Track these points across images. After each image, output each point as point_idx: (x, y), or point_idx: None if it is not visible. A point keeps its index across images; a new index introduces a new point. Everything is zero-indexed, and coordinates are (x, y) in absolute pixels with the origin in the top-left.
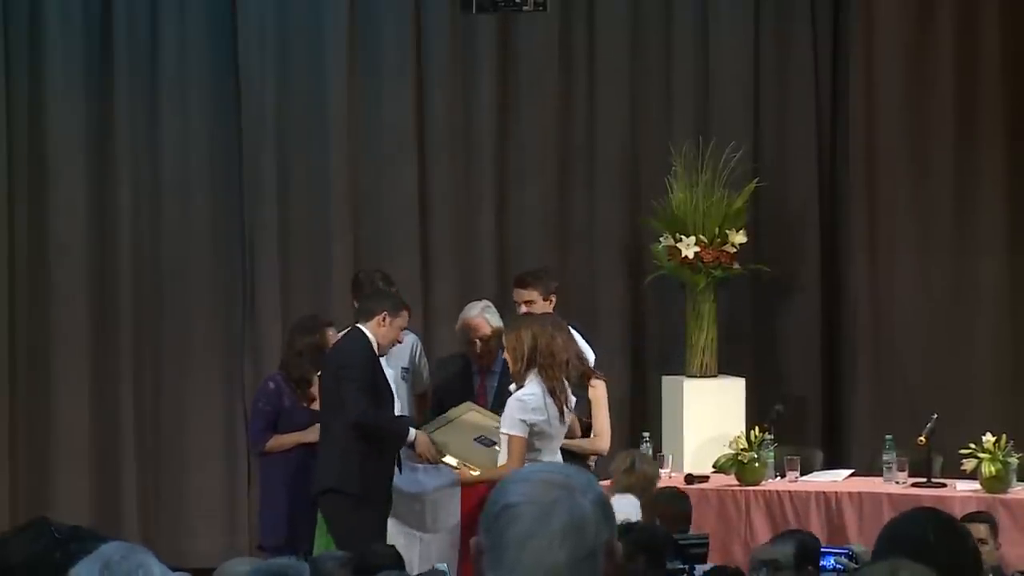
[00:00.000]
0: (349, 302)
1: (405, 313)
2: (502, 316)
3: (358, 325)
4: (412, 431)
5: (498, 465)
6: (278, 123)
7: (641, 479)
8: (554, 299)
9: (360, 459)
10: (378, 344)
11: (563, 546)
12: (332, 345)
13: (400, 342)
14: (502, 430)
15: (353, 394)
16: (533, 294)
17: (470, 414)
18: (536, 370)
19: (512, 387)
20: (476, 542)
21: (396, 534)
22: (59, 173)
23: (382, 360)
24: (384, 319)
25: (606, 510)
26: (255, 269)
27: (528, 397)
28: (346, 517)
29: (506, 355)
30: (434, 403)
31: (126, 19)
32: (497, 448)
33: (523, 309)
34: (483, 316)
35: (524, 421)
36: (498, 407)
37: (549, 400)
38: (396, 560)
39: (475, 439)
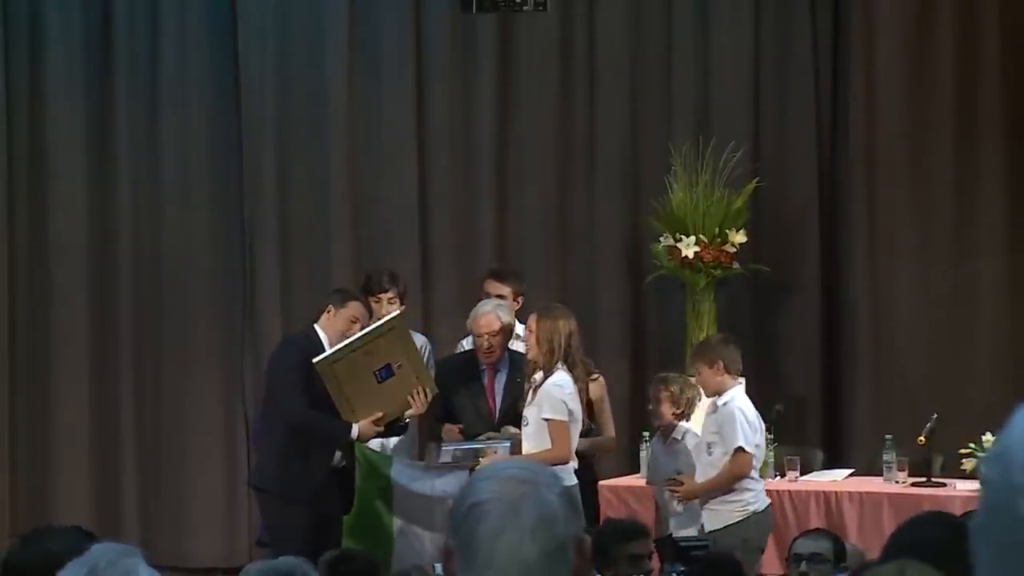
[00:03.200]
0: None
1: (354, 303)
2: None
3: (314, 325)
4: (354, 427)
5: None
6: (278, 123)
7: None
8: (521, 302)
9: (287, 459)
10: (330, 339)
11: (534, 540)
12: (282, 342)
13: (355, 325)
14: (543, 416)
15: (290, 394)
16: (506, 290)
17: (388, 336)
18: (565, 362)
19: (538, 376)
20: (445, 544)
21: (406, 533)
22: (59, 173)
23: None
24: (329, 311)
25: (573, 503)
26: (255, 269)
27: (563, 382)
28: (273, 515)
29: (533, 340)
30: (439, 403)
31: (126, 19)
32: (394, 378)
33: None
34: (495, 312)
35: (565, 403)
36: (507, 404)
37: (576, 390)
38: (372, 566)
39: (375, 371)
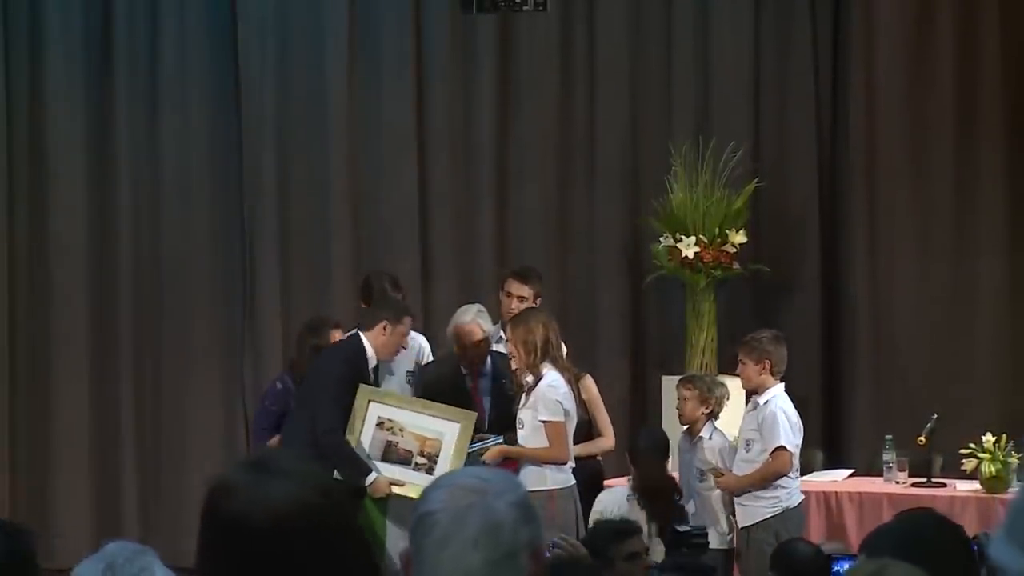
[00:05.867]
0: (350, 302)
1: (408, 319)
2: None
3: (358, 332)
4: (371, 475)
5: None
6: (278, 123)
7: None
8: (539, 303)
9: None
10: (377, 353)
11: (477, 549)
12: (330, 346)
13: (405, 348)
14: (540, 418)
15: (327, 409)
16: (527, 291)
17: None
18: (549, 361)
19: (529, 379)
20: (404, 551)
21: (398, 539)
22: (59, 173)
23: (386, 363)
24: (385, 328)
25: (525, 511)
26: (255, 269)
27: (557, 383)
28: None
29: (514, 347)
30: None
31: (126, 19)
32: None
33: (513, 303)
34: (476, 321)
35: (561, 404)
36: (494, 408)
37: (569, 388)
38: None
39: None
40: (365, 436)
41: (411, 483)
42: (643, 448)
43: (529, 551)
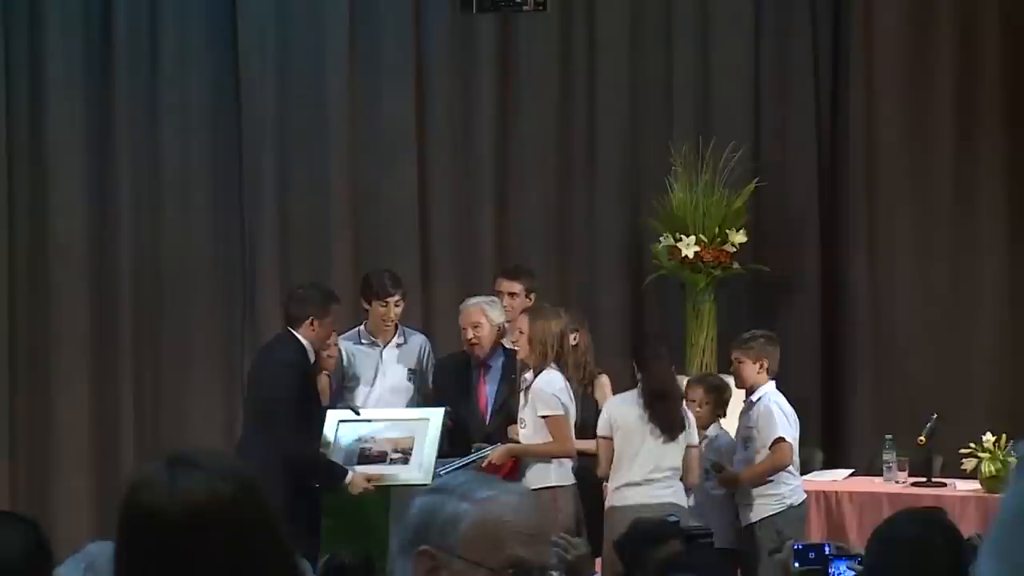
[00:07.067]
0: (350, 302)
1: (333, 307)
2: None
3: (289, 329)
4: (349, 474)
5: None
6: (278, 123)
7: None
8: (533, 298)
9: (284, 480)
10: (313, 345)
11: (396, 535)
12: (265, 348)
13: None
14: (540, 413)
15: (285, 422)
16: (517, 287)
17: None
18: (554, 362)
19: (528, 375)
20: None
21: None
22: (59, 173)
23: (389, 357)
24: (312, 323)
25: (431, 516)
26: (255, 269)
27: (554, 379)
28: None
29: (524, 341)
30: (434, 404)
31: (126, 19)
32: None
33: (504, 300)
34: (481, 306)
35: (558, 398)
36: (499, 402)
37: (567, 385)
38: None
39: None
40: (337, 453)
41: (387, 475)
42: (650, 354)
43: (413, 552)
